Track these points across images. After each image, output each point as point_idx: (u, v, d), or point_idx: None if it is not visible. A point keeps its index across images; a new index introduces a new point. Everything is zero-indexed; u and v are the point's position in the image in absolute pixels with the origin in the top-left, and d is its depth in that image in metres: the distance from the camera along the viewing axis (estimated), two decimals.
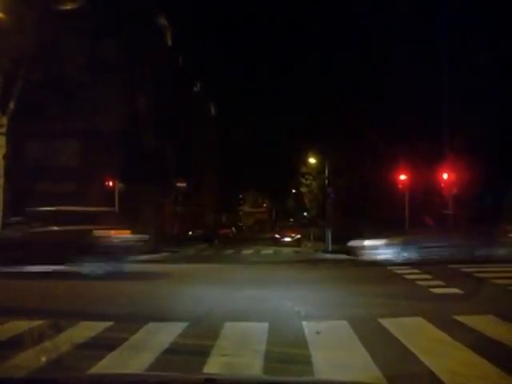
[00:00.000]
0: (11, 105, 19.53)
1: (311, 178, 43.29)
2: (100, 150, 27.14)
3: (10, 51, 18.17)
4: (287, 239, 36.74)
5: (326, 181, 33.99)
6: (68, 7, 18.54)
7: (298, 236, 37.68)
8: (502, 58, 21.26)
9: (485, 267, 13.47)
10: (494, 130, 22.16)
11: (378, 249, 16.15)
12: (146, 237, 15.93)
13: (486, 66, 21.56)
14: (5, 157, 19.94)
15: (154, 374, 3.70)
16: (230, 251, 28.85)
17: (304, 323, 6.70)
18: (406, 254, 15.86)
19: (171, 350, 5.40)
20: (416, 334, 6.10)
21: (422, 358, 4.95)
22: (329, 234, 28.92)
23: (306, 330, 6.29)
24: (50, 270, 13.44)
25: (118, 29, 27.25)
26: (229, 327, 6.53)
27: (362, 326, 6.45)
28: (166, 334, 6.14)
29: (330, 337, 6.06)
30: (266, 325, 6.58)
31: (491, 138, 22.14)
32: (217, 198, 60.41)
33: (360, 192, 31.11)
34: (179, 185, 35.70)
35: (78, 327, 6.58)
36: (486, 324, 6.47)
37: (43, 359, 4.35)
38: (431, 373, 4.53)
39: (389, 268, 14.84)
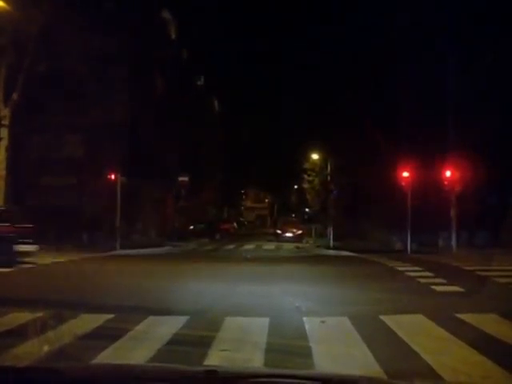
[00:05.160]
0: (14, 96, 19.47)
1: (314, 174, 43.20)
2: (102, 143, 27.11)
3: (13, 41, 18.15)
4: (289, 235, 36.62)
5: (329, 177, 33.95)
6: None
7: (300, 232, 37.53)
8: (505, 57, 21.13)
9: (488, 266, 13.44)
10: (498, 128, 22.07)
11: None
12: None
13: (489, 65, 21.45)
14: (7, 149, 19.93)
15: (155, 366, 3.70)
16: (231, 246, 28.83)
17: (305, 319, 6.70)
18: None
19: (172, 343, 5.41)
20: (417, 331, 6.07)
21: (424, 356, 4.94)
22: (330, 231, 28.89)
23: (307, 326, 6.28)
24: None
25: (122, 22, 27.13)
26: (230, 321, 6.53)
27: (363, 323, 6.44)
28: (167, 327, 6.15)
29: (331, 333, 6.05)
30: (266, 320, 6.57)
31: (495, 136, 22.04)
32: (219, 192, 60.36)
33: (362, 189, 31.04)
34: (181, 179, 35.66)
35: (80, 319, 6.60)
36: (488, 322, 6.44)
37: (45, 349, 4.35)
38: (432, 370, 4.51)
39: (390, 265, 14.85)
